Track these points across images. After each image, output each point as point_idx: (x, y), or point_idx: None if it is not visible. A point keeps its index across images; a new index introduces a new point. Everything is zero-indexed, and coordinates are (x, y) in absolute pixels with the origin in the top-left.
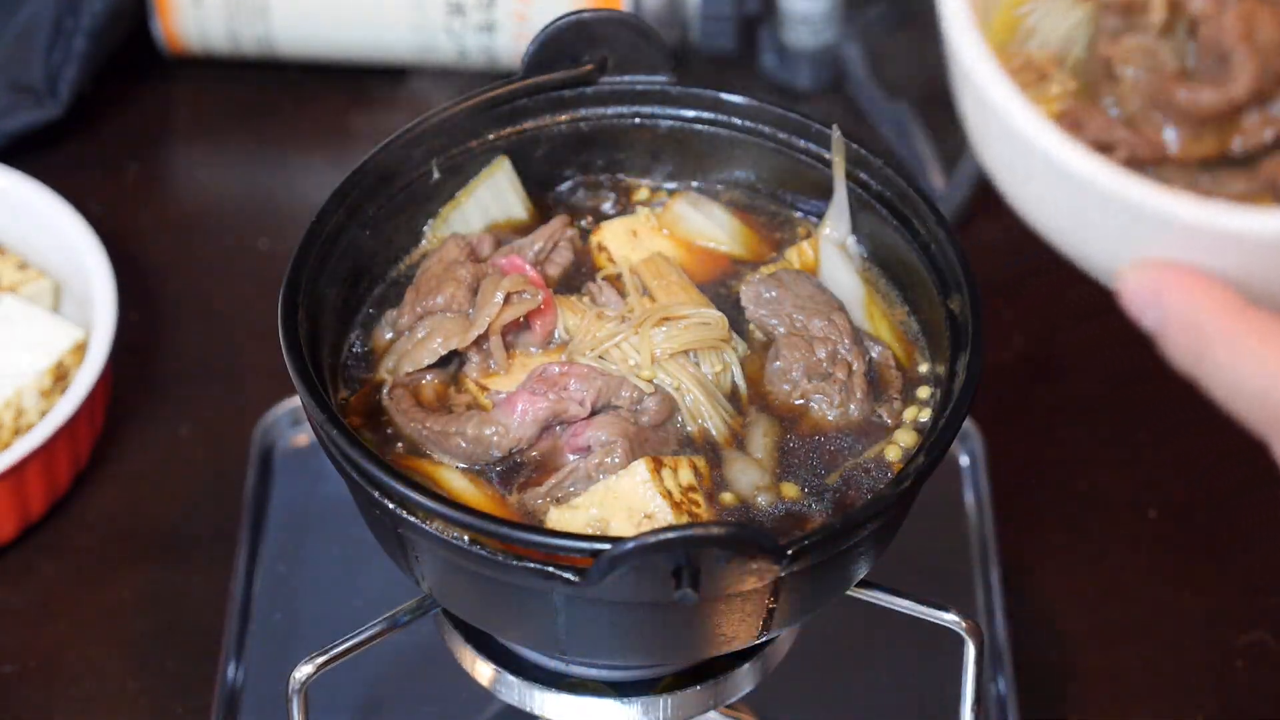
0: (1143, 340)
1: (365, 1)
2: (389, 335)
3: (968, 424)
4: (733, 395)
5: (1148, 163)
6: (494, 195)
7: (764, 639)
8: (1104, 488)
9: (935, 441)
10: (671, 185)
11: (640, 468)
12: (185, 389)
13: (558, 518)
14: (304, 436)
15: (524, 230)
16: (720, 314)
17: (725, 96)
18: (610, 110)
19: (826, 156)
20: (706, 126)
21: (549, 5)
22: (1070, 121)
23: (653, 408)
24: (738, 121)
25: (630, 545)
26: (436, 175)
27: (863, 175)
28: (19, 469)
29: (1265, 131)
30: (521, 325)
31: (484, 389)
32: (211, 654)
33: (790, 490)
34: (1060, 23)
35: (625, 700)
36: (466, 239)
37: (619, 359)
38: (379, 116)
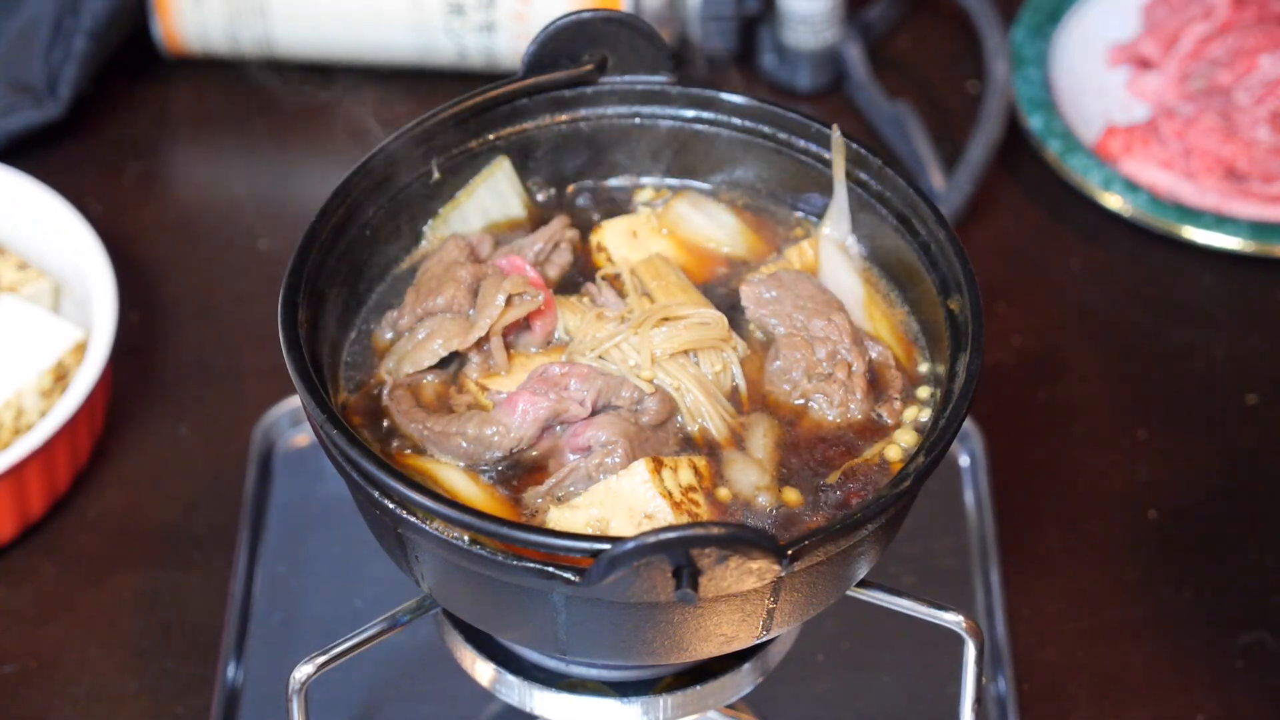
0: (1142, 340)
1: (365, 1)
2: (389, 336)
3: (968, 424)
4: (733, 395)
5: None
6: (494, 195)
7: (764, 639)
8: (1104, 488)
9: (935, 441)
10: (672, 184)
11: (640, 468)
12: (185, 389)
13: (558, 517)
14: (304, 436)
15: (524, 230)
16: (720, 314)
17: (725, 96)
18: (610, 110)
19: (826, 156)
20: (706, 126)
21: (549, 5)
22: None
23: (653, 408)
24: (738, 121)
25: (630, 545)
26: (436, 175)
27: (863, 175)
28: (19, 469)
29: None
30: (522, 326)
31: (484, 389)
32: (211, 654)
33: (790, 490)
34: None
35: (625, 700)
36: (466, 239)
37: (619, 359)
38: (378, 117)
